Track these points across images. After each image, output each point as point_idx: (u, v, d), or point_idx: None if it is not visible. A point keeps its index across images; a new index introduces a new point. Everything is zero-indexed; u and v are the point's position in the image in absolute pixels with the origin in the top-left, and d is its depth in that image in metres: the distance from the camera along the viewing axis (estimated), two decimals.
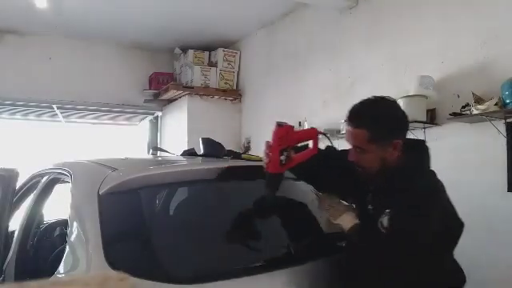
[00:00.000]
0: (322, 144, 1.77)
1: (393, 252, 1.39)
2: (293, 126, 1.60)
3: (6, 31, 5.32)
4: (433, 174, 1.52)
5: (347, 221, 1.53)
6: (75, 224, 1.53)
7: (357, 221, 1.53)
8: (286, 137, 1.57)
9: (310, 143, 1.68)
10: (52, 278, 1.44)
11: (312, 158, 1.64)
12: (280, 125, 1.57)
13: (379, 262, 1.44)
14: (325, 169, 1.67)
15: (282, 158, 1.56)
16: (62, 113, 5.81)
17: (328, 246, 1.78)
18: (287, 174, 1.67)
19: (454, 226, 1.53)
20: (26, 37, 5.44)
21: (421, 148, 1.58)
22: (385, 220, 1.46)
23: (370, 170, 1.53)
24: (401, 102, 3.14)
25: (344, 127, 3.77)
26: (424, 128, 3.20)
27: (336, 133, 3.91)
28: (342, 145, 3.87)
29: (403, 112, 1.56)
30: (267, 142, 1.59)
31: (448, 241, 1.54)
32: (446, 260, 1.55)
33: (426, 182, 1.48)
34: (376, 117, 1.48)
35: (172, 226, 1.89)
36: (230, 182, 1.83)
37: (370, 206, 1.59)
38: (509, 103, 2.59)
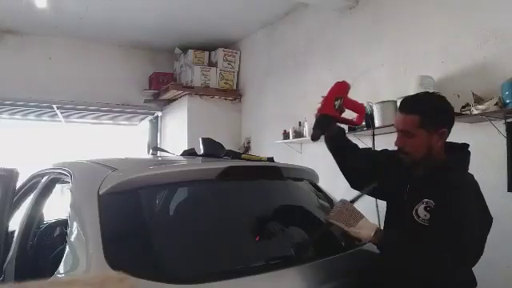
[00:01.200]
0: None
1: (437, 248, 1.38)
2: (349, 85, 1.85)
3: (6, 31, 5.32)
4: (472, 176, 1.60)
5: (367, 227, 1.47)
6: (75, 224, 1.53)
7: (376, 225, 1.50)
8: (342, 91, 1.80)
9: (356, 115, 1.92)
10: (52, 278, 1.44)
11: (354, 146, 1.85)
12: (339, 82, 1.80)
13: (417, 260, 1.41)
14: (364, 158, 1.81)
15: (337, 103, 1.75)
16: (62, 113, 5.81)
17: (330, 246, 1.78)
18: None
19: (489, 226, 1.57)
20: (25, 37, 5.44)
21: (465, 150, 1.67)
22: (421, 209, 1.48)
23: (415, 156, 1.57)
24: None
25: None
26: None
27: None
28: None
29: (451, 106, 1.64)
30: (323, 96, 1.81)
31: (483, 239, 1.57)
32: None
33: (470, 180, 1.56)
34: (427, 104, 1.59)
35: (172, 226, 1.89)
36: (230, 182, 1.83)
37: (405, 196, 1.60)
38: (509, 103, 2.59)
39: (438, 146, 1.57)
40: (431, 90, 3.09)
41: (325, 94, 1.84)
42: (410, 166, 1.60)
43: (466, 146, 1.67)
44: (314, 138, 1.80)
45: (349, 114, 1.95)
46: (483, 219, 1.53)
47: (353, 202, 1.58)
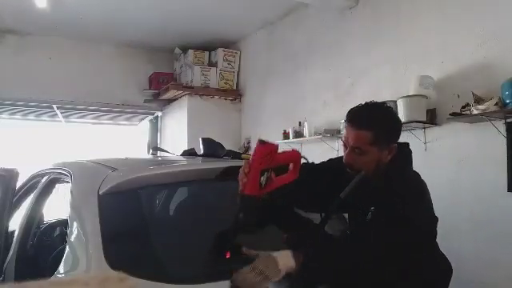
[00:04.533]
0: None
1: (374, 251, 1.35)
2: (277, 146, 1.40)
3: (6, 31, 5.32)
4: (417, 175, 1.55)
5: (287, 258, 1.33)
6: (75, 224, 1.53)
7: (287, 251, 1.36)
8: (269, 157, 1.36)
9: (290, 165, 1.49)
10: (52, 278, 1.44)
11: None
12: (263, 142, 1.35)
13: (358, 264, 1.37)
14: (306, 186, 1.57)
15: (262, 179, 1.36)
16: (62, 113, 5.82)
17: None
18: None
19: (434, 225, 1.51)
20: (26, 37, 5.44)
21: (405, 151, 1.60)
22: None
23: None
24: (400, 102, 3.15)
25: (343, 128, 3.78)
26: (424, 128, 3.20)
27: (336, 133, 3.92)
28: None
29: (400, 119, 1.61)
30: (247, 161, 1.38)
31: (428, 240, 1.52)
32: (429, 257, 1.53)
33: (411, 183, 1.50)
34: (381, 120, 1.51)
35: (172, 226, 1.89)
36: (230, 181, 1.83)
37: (367, 217, 1.56)
38: (509, 103, 2.60)
39: (387, 160, 1.52)
40: (430, 90, 3.13)
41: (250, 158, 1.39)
42: (362, 182, 1.51)
43: (406, 145, 1.61)
44: (247, 223, 1.40)
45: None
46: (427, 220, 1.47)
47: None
